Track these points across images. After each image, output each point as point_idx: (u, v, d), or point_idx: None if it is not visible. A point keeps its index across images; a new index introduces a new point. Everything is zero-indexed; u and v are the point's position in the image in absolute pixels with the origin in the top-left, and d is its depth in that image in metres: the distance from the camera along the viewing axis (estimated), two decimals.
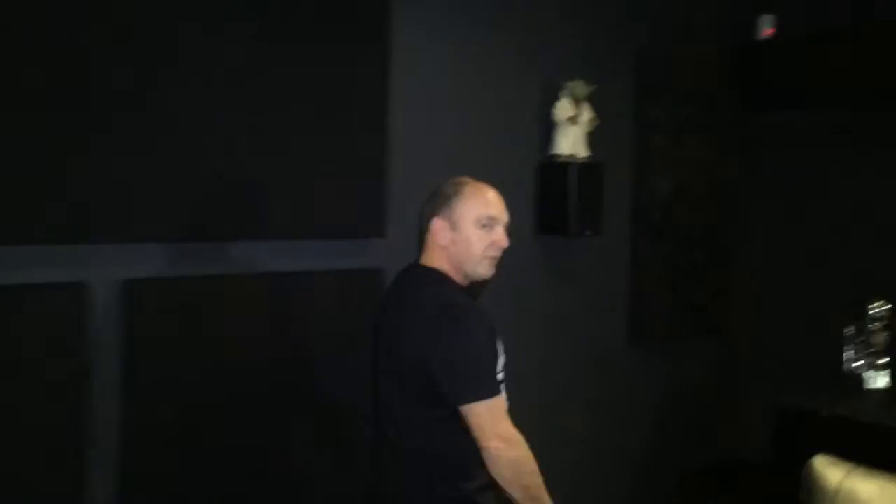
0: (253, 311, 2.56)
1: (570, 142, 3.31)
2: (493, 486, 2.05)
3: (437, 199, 2.16)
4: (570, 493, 3.46)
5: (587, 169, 3.31)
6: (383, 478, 2.15)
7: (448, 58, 3.06)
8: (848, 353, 3.66)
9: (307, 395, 2.67)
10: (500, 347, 2.11)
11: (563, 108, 3.27)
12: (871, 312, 3.61)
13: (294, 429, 2.65)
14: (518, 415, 3.11)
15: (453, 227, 2.13)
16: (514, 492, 1.99)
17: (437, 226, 2.14)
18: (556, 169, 3.30)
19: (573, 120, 3.28)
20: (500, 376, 2.08)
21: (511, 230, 3.25)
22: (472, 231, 2.13)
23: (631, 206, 3.68)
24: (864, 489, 2.16)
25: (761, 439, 3.61)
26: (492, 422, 1.96)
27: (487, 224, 2.13)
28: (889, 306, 3.59)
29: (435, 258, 2.16)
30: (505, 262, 3.25)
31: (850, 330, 3.67)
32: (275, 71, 2.54)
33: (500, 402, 2.01)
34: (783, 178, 4.08)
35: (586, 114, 3.33)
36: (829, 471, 2.24)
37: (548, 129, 3.33)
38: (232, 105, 2.46)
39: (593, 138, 3.37)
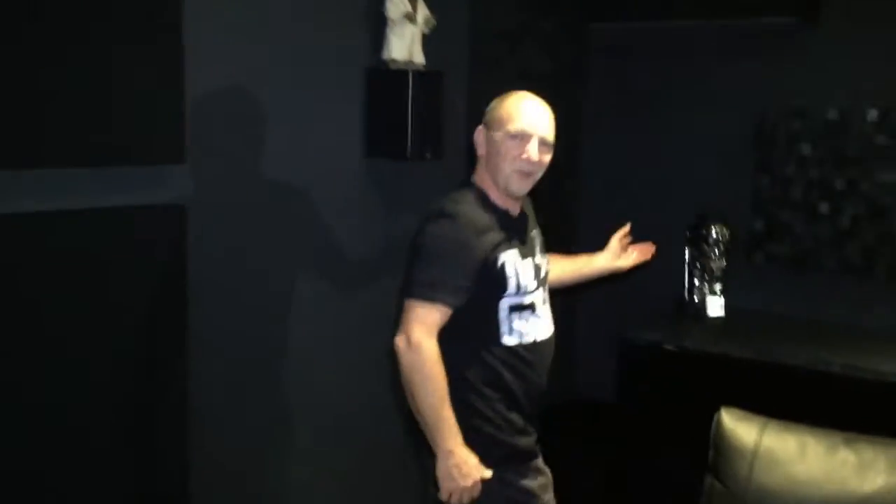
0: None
1: (406, 45, 2.75)
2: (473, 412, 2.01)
3: (487, 110, 2.11)
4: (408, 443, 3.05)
5: (426, 79, 2.78)
6: None
7: None
8: (687, 280, 3.50)
9: (78, 364, 2.01)
10: (514, 269, 2.02)
11: (398, 2, 2.70)
12: (709, 238, 3.46)
13: (75, 402, 1.99)
14: (347, 355, 2.63)
15: (488, 137, 2.09)
16: (407, 394, 1.96)
17: (477, 136, 2.12)
18: (389, 78, 2.74)
19: (410, 17, 2.72)
20: (513, 300, 2.03)
21: (333, 152, 2.75)
22: (503, 142, 2.05)
23: (466, 124, 3.20)
24: (784, 448, 1.89)
25: (608, 376, 3.37)
26: (408, 321, 1.93)
27: (518, 136, 2.04)
28: (727, 231, 3.45)
29: (477, 170, 2.13)
30: (326, 191, 2.74)
31: (688, 255, 3.51)
32: None
33: (427, 309, 1.93)
34: (621, 95, 3.80)
35: (422, 11, 2.79)
36: (741, 428, 1.96)
37: (377, 28, 2.75)
38: None
39: (425, 43, 2.84)
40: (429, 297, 1.92)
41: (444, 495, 1.95)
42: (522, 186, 2.09)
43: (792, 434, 1.93)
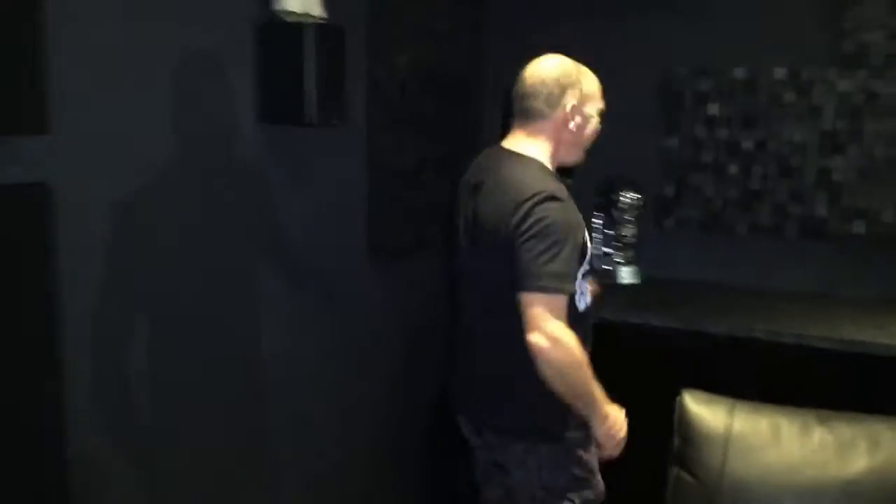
0: None
1: None
2: None
3: (569, 80, 2.10)
4: (313, 429, 2.77)
5: (327, 33, 2.45)
6: (462, 368, 2.21)
7: None
8: (597, 247, 3.36)
9: None
10: (589, 245, 2.08)
11: None
12: (620, 203, 3.32)
13: None
14: (248, 349, 2.37)
15: (582, 112, 2.11)
16: (556, 389, 1.92)
17: (572, 110, 2.09)
18: (285, 33, 2.39)
19: None
20: (587, 266, 2.06)
21: (222, 119, 2.39)
22: (594, 120, 2.14)
23: (367, 84, 2.89)
24: (756, 432, 1.76)
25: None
26: (542, 316, 1.88)
27: (601, 113, 2.16)
28: (638, 196, 3.33)
29: (537, 141, 2.10)
30: (215, 162, 2.38)
31: (598, 221, 3.37)
32: None
33: (558, 301, 1.90)
34: (523, 53, 3.56)
35: None
36: (709, 412, 1.81)
37: None
38: None
39: None
40: (557, 289, 1.90)
41: (607, 454, 2.04)
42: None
43: (762, 416, 1.79)
